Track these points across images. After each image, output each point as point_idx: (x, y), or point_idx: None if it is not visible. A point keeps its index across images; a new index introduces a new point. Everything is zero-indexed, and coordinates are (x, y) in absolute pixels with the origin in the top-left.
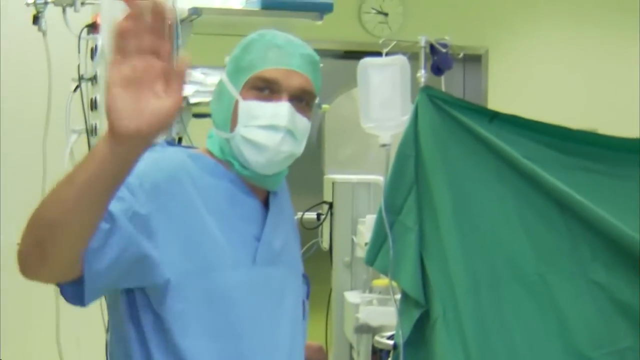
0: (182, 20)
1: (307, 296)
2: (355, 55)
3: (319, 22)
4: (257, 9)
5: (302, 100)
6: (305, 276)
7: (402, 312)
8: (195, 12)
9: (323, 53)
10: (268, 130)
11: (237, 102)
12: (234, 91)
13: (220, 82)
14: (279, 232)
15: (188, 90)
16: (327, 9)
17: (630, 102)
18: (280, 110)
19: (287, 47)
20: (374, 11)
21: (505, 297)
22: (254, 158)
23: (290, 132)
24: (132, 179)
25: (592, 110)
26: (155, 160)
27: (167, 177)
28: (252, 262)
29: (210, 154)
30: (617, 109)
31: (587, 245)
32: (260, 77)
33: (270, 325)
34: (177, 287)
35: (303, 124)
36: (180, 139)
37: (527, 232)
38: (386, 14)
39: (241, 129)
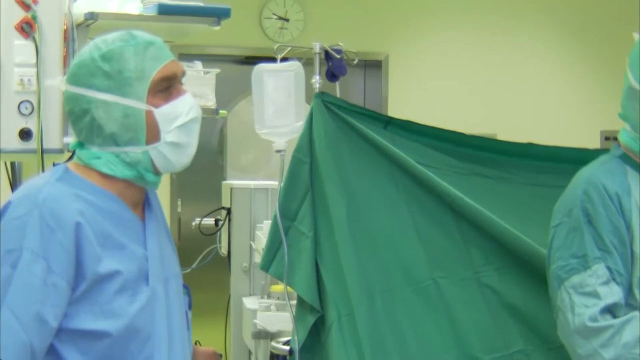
0: (79, 25)
1: (190, 307)
2: (256, 60)
3: (217, 28)
4: (154, 14)
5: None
6: (185, 287)
7: (297, 318)
8: (92, 16)
9: (224, 58)
10: (190, 125)
11: (148, 113)
12: (138, 104)
13: (107, 103)
14: (162, 247)
15: None
16: (225, 14)
17: (527, 107)
18: (190, 102)
19: (156, 42)
20: (274, 17)
21: (399, 302)
22: (181, 158)
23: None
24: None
25: (492, 115)
26: (48, 227)
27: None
28: (146, 285)
29: (86, 170)
30: (515, 115)
31: (479, 250)
32: (161, 78)
33: (166, 342)
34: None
35: None
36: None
37: (420, 237)
38: (287, 20)
39: (166, 136)
